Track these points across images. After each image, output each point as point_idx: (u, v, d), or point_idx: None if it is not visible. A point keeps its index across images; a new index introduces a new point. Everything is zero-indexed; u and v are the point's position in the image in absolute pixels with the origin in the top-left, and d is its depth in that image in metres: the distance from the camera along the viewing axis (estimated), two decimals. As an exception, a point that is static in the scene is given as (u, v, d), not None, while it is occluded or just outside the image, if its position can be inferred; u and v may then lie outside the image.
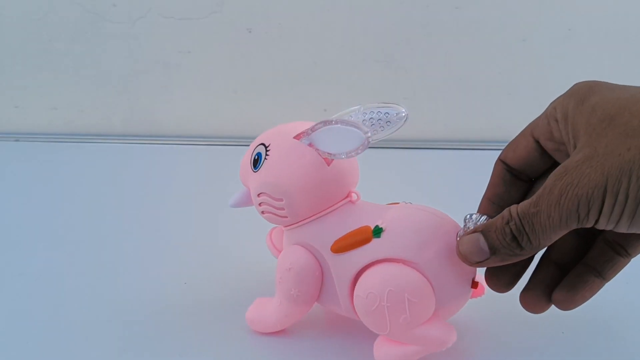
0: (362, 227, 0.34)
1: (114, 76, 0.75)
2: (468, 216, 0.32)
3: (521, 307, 0.43)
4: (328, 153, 0.33)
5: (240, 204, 0.37)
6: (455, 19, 0.69)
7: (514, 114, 0.73)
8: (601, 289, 0.43)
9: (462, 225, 0.33)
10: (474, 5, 0.68)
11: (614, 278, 0.46)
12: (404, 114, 0.34)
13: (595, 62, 0.70)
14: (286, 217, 0.35)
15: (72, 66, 0.74)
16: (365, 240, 0.33)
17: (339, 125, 0.32)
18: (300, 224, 0.36)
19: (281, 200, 0.35)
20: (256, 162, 0.35)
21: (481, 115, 0.73)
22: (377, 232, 0.33)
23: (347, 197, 0.36)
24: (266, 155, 0.35)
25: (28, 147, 0.74)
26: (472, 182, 0.63)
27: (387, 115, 0.34)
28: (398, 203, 0.37)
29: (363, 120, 0.34)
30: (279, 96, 0.73)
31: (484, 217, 0.31)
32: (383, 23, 0.70)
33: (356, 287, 0.33)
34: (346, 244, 0.34)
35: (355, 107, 0.35)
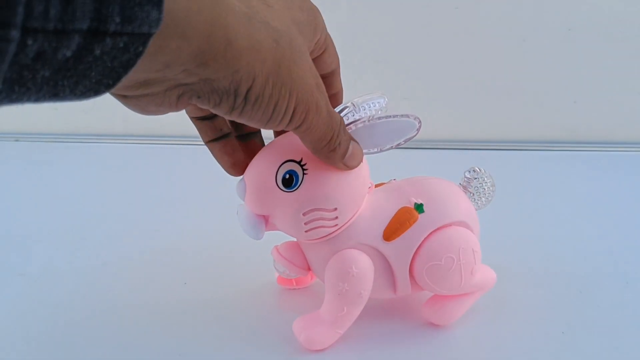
0: (403, 209, 0.36)
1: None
2: None
3: (521, 307, 0.43)
4: (378, 148, 0.35)
5: (263, 232, 0.35)
6: (455, 19, 0.69)
7: (514, 114, 0.73)
8: (601, 289, 0.43)
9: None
10: (474, 5, 0.68)
11: (614, 278, 0.46)
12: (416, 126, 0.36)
13: (595, 62, 0.70)
14: (337, 225, 0.35)
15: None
16: (414, 219, 0.36)
17: (389, 118, 0.34)
18: (342, 228, 0.35)
19: (335, 210, 0.34)
20: (290, 182, 0.33)
21: (481, 115, 0.73)
22: (420, 208, 0.36)
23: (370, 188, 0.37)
24: (304, 171, 0.33)
25: (28, 147, 0.74)
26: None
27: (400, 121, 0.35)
28: (387, 182, 0.39)
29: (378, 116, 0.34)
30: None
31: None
32: (383, 23, 0.70)
33: (425, 259, 0.36)
34: (398, 229, 0.36)
35: (377, 97, 0.36)
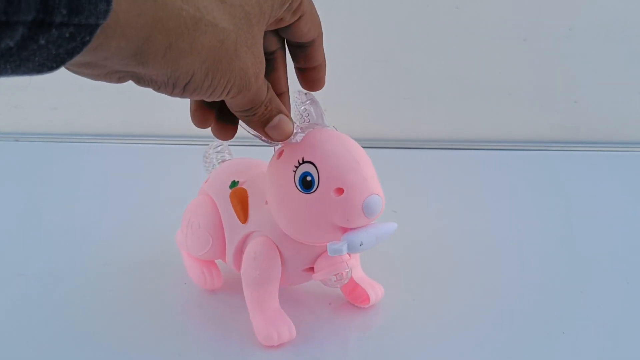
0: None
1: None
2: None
3: (521, 307, 0.43)
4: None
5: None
6: (455, 19, 0.69)
7: (514, 114, 0.73)
8: (601, 289, 0.43)
9: None
10: (474, 5, 0.68)
11: (614, 278, 0.46)
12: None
13: (595, 62, 0.70)
14: None
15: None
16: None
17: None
18: None
19: None
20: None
21: (481, 115, 0.73)
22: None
23: None
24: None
25: (28, 147, 0.74)
26: (472, 182, 0.64)
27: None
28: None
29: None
30: (279, 96, 0.73)
31: None
32: (383, 23, 0.70)
33: None
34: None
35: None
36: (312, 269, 0.38)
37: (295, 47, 0.35)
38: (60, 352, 0.39)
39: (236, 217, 0.39)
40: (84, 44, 0.21)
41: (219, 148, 0.46)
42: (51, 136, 0.76)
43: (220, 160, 0.45)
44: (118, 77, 0.27)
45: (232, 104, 0.32)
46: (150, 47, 0.24)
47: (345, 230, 0.33)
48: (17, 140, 0.76)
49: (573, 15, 0.68)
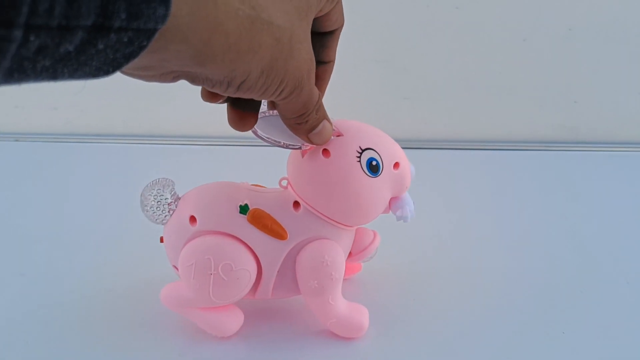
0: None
1: (115, 76, 0.74)
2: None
3: (521, 307, 0.43)
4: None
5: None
6: (455, 19, 0.69)
7: (514, 114, 0.73)
8: (601, 289, 0.43)
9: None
10: (474, 5, 0.68)
11: (614, 278, 0.46)
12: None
13: (595, 62, 0.70)
14: None
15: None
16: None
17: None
18: None
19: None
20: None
21: (481, 115, 0.73)
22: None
23: None
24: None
25: (28, 147, 0.74)
26: (472, 182, 0.64)
27: None
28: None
29: None
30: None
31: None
32: (383, 23, 0.70)
33: None
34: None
35: None
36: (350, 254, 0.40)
37: (314, 38, 0.34)
38: (60, 352, 0.39)
39: (271, 238, 0.36)
40: (141, 48, 0.21)
41: (155, 191, 0.38)
42: (51, 136, 0.76)
43: (169, 201, 0.38)
44: (172, 77, 0.27)
45: (287, 110, 0.31)
46: (210, 49, 0.24)
47: (392, 200, 0.38)
48: (17, 140, 0.76)
49: (573, 15, 0.68)
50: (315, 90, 0.32)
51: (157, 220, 0.38)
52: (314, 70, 0.31)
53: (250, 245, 0.36)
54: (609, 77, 0.70)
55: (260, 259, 0.37)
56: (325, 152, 0.36)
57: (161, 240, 0.39)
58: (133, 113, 0.76)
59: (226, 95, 0.29)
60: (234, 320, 0.39)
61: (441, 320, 0.41)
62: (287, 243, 0.37)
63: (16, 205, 0.59)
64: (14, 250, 0.51)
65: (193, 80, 0.27)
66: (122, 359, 0.38)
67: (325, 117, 0.34)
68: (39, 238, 0.53)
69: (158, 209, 0.38)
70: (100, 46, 0.20)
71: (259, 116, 0.34)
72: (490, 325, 0.41)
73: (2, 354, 0.38)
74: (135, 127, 0.77)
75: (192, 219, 0.37)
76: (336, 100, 0.73)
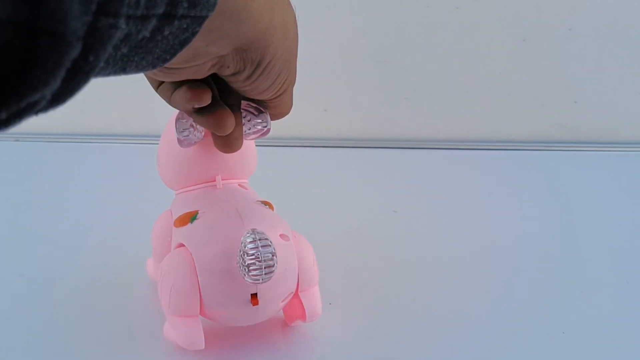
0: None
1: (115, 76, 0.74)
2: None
3: (521, 307, 0.43)
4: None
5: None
6: (455, 19, 0.69)
7: (514, 114, 0.73)
8: (601, 289, 0.43)
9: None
10: (474, 5, 0.68)
11: (614, 278, 0.46)
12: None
13: (595, 62, 0.70)
14: None
15: (72, 66, 0.74)
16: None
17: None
18: None
19: None
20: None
21: (481, 115, 0.73)
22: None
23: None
24: None
25: (28, 147, 0.74)
26: (471, 182, 0.64)
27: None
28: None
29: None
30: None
31: None
32: (383, 23, 0.70)
33: None
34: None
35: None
36: None
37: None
38: (60, 352, 0.39)
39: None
40: (194, 34, 0.23)
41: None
42: (51, 136, 0.76)
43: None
44: (210, 65, 0.29)
45: (277, 109, 0.35)
46: (256, 27, 0.27)
47: None
48: (17, 140, 0.76)
49: (573, 15, 0.68)
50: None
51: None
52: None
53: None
54: (609, 77, 0.70)
55: None
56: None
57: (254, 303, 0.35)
58: (132, 113, 0.76)
59: (240, 87, 0.31)
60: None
61: (440, 321, 0.41)
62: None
63: (16, 205, 0.59)
64: (14, 250, 0.51)
65: (228, 65, 0.29)
66: (122, 358, 0.38)
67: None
68: (39, 238, 0.53)
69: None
70: (166, 32, 0.22)
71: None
72: (490, 325, 0.41)
73: (2, 354, 0.38)
74: (135, 127, 0.77)
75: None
76: (336, 100, 0.73)
